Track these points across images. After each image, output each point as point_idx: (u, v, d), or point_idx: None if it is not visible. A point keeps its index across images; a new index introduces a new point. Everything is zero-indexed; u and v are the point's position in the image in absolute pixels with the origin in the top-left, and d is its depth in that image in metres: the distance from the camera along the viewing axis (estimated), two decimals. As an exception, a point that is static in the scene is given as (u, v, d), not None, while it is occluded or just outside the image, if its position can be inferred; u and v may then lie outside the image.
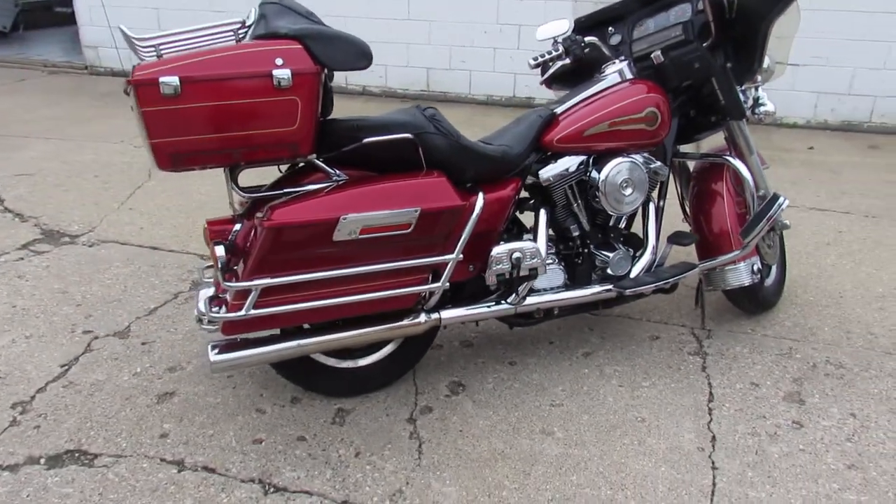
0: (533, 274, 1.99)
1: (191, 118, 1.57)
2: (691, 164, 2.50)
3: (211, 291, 1.87)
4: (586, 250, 2.17)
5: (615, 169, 2.07)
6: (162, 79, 1.53)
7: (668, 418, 1.98)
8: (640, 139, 2.13)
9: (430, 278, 1.87)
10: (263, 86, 1.60)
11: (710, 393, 2.10)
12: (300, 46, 1.64)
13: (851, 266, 2.96)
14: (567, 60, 2.30)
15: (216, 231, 1.82)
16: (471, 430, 1.93)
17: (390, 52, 6.17)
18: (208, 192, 3.77)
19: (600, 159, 2.13)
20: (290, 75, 1.60)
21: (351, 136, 1.78)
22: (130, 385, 2.10)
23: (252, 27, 1.80)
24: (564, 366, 2.24)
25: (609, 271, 2.14)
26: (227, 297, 1.70)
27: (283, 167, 1.90)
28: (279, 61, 1.61)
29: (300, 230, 1.64)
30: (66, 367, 2.18)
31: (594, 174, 2.10)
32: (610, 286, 2.12)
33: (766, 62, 2.19)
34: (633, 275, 2.15)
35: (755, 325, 2.48)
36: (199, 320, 1.87)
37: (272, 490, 1.71)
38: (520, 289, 2.01)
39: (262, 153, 1.66)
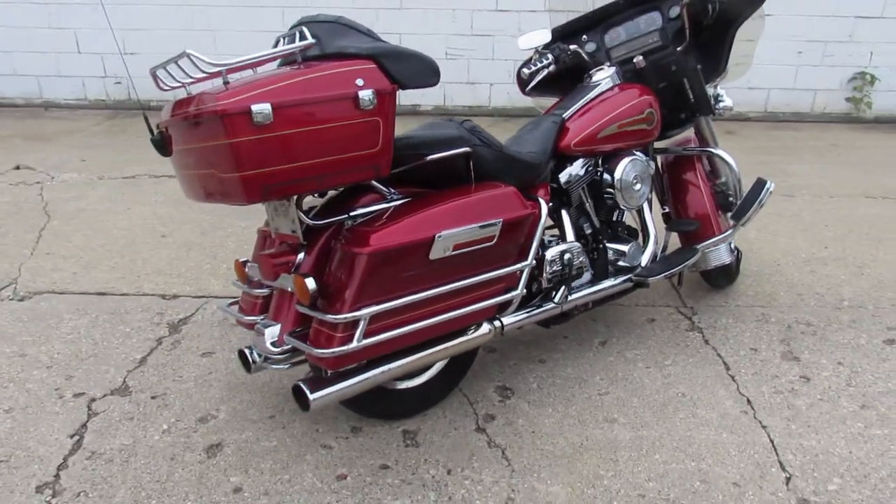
0: (580, 272, 2.09)
1: (282, 146, 1.48)
2: (659, 159, 2.74)
3: (275, 329, 1.75)
4: (601, 245, 2.30)
5: (627, 167, 2.22)
6: (254, 106, 1.43)
7: (702, 390, 2.17)
8: (642, 138, 2.30)
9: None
10: (349, 108, 1.55)
11: (724, 363, 2.32)
12: (374, 65, 1.60)
13: (770, 237, 3.39)
14: (552, 68, 2.43)
15: (279, 264, 1.71)
16: (541, 430, 1.98)
17: (270, 66, 5.95)
18: (129, 228, 3.45)
19: (608, 160, 2.28)
20: (372, 96, 1.56)
21: (411, 154, 1.76)
22: (166, 444, 1.90)
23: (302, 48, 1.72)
24: (589, 357, 2.36)
25: (624, 263, 2.29)
26: (328, 329, 1.60)
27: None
28: (360, 82, 1.56)
29: (399, 252, 1.61)
30: (78, 437, 1.92)
31: (606, 174, 2.24)
32: (630, 276, 2.28)
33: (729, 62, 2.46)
34: (643, 264, 2.33)
35: (726, 298, 2.78)
36: (266, 359, 1.76)
37: (384, 523, 1.65)
38: (564, 288, 2.10)
39: (348, 177, 1.60)
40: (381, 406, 1.98)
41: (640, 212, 2.41)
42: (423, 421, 2.02)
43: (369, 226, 1.65)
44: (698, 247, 2.45)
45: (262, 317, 1.89)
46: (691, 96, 2.47)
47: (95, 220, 3.54)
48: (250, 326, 1.94)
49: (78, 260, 3.07)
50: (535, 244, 1.87)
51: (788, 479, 1.78)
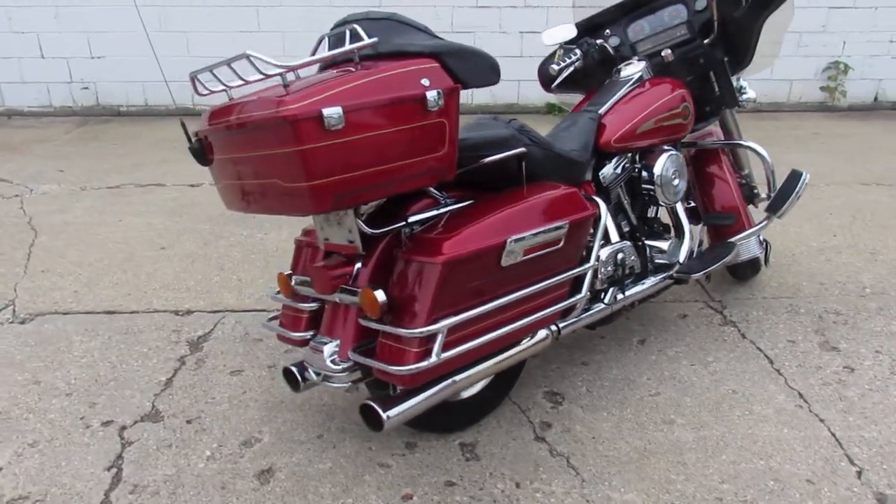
0: (631, 272, 2.04)
1: (352, 152, 1.39)
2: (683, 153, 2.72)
3: (333, 345, 1.65)
4: (640, 243, 2.26)
5: (667, 162, 2.18)
6: (326, 111, 1.33)
7: (752, 386, 2.15)
8: (678, 133, 2.27)
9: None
10: (417, 110, 1.47)
11: (766, 356, 2.31)
12: (437, 64, 1.52)
13: (780, 227, 3.40)
14: (579, 64, 2.38)
15: (337, 276, 1.62)
16: (601, 435, 1.93)
17: (241, 66, 5.77)
18: (125, 241, 3.28)
19: (644, 156, 2.24)
20: (438, 96, 1.48)
21: (470, 156, 1.69)
22: (213, 472, 1.79)
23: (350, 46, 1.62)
24: (631, 356, 2.31)
25: (662, 260, 2.25)
26: (402, 345, 1.51)
27: None
28: (425, 82, 1.48)
29: (472, 260, 1.53)
30: (116, 470, 1.79)
31: (645, 170, 2.20)
32: (671, 274, 2.24)
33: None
34: (681, 260, 2.29)
35: (751, 291, 2.77)
36: (325, 377, 1.67)
37: (462, 544, 1.58)
38: (614, 288, 2.04)
39: (415, 182, 1.51)
40: (436, 419, 1.90)
41: (672, 208, 2.38)
42: (479, 432, 1.94)
43: (436, 233, 1.57)
44: (733, 240, 2.43)
45: (310, 333, 1.79)
46: (717, 89, 2.45)
47: (87, 233, 3.36)
48: (297, 343, 1.83)
49: (77, 277, 2.89)
50: (597, 245, 1.82)
51: (860, 473, 1.77)
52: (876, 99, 6.24)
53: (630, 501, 1.69)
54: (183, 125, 1.68)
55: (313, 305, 1.79)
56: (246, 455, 1.85)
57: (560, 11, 5.80)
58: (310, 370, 1.70)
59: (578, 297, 1.82)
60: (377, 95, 1.41)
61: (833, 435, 1.92)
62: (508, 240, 1.57)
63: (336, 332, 1.68)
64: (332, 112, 1.34)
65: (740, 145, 2.52)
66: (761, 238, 2.56)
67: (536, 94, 5.98)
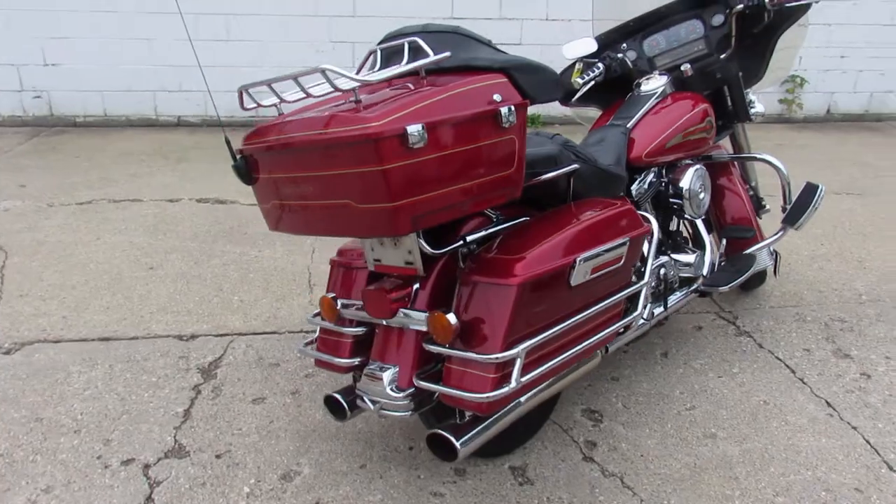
0: (672, 287, 2.03)
1: (432, 171, 1.33)
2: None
3: (392, 372, 1.58)
4: (668, 258, 2.26)
5: (694, 176, 2.20)
6: (409, 128, 1.27)
7: (781, 396, 2.17)
8: (701, 147, 2.29)
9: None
10: (491, 126, 1.42)
11: (787, 366, 2.34)
12: (506, 79, 1.48)
13: (768, 237, 3.49)
14: (600, 77, 2.38)
15: (397, 299, 1.55)
16: (648, 453, 1.91)
17: (212, 76, 5.61)
18: (107, 261, 3.09)
19: (670, 170, 2.24)
20: (510, 112, 1.43)
21: (527, 174, 1.64)
22: (256, 509, 1.68)
23: (411, 59, 1.56)
24: (658, 370, 2.31)
25: (688, 273, 2.26)
26: (478, 370, 1.44)
27: None
28: (497, 97, 1.44)
29: (545, 281, 1.48)
30: (149, 512, 1.67)
31: (672, 184, 2.21)
32: (697, 287, 2.25)
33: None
34: (704, 273, 2.31)
35: (758, 301, 2.82)
36: (385, 406, 1.58)
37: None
38: (651, 303, 2.03)
39: (488, 201, 1.46)
40: (486, 444, 1.84)
41: (693, 221, 2.40)
42: (526, 455, 1.89)
43: (503, 253, 1.52)
44: (750, 252, 2.46)
45: (357, 359, 1.71)
46: (730, 103, 2.49)
47: (63, 253, 3.15)
48: (342, 370, 1.75)
49: (62, 301, 2.70)
50: (650, 261, 1.80)
51: (903, 481, 1.80)
52: (829, 111, 6.52)
53: (693, 520, 1.68)
54: (227, 142, 1.58)
55: (360, 330, 1.71)
56: (288, 490, 1.75)
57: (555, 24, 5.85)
58: (364, 398, 1.62)
59: (636, 313, 1.79)
60: (455, 112, 1.35)
61: (868, 442, 1.95)
62: (578, 259, 1.53)
63: (393, 358, 1.60)
64: (416, 129, 1.28)
65: (756, 158, 2.57)
66: (772, 249, 2.61)
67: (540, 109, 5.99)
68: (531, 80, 1.52)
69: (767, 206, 2.79)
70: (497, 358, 1.41)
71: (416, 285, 1.59)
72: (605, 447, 1.93)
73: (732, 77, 2.42)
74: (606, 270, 1.63)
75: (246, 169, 1.57)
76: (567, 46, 2.41)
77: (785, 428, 2.01)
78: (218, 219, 3.65)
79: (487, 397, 1.42)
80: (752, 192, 2.68)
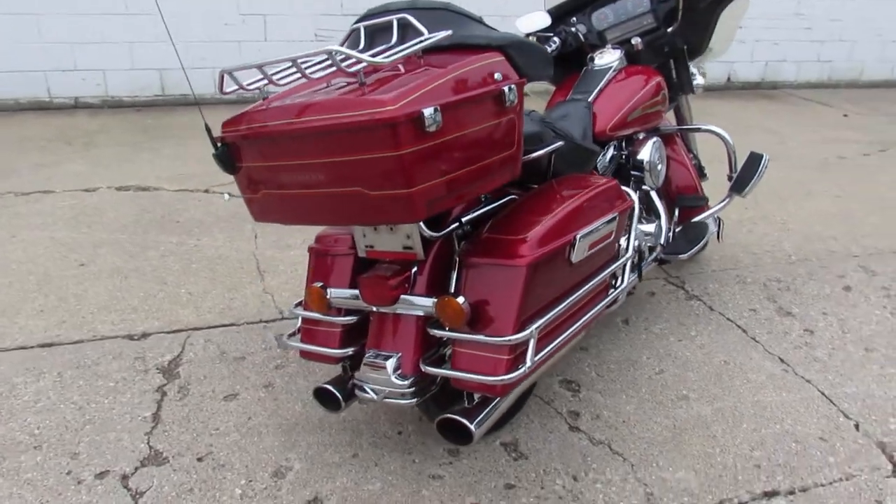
0: (643, 257, 2.09)
1: (444, 154, 1.30)
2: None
3: (396, 359, 1.54)
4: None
5: (653, 148, 2.26)
6: (426, 111, 1.23)
7: (739, 355, 2.30)
8: (657, 119, 2.36)
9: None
10: (495, 107, 1.40)
11: (738, 326, 2.48)
12: (503, 57, 1.46)
13: (698, 204, 3.66)
14: (556, 52, 2.40)
15: (397, 285, 1.51)
16: (630, 418, 1.97)
17: (109, 53, 5.25)
18: (31, 260, 2.85)
19: (630, 143, 2.30)
20: (512, 91, 1.42)
21: None
22: (253, 511, 1.61)
23: (400, 38, 1.50)
24: (623, 337, 2.39)
25: (650, 242, 2.34)
26: (491, 353, 1.43)
27: None
28: (498, 76, 1.42)
29: (550, 259, 1.49)
30: (137, 526, 1.56)
31: (632, 157, 2.27)
32: (658, 255, 2.33)
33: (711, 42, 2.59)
34: (662, 242, 2.39)
35: (702, 265, 2.96)
36: (389, 395, 1.55)
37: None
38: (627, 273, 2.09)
39: (492, 182, 1.45)
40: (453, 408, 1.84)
41: (647, 192, 2.47)
42: (514, 430, 1.91)
43: (505, 233, 1.51)
44: (700, 219, 2.57)
45: (351, 348, 1.66)
46: (676, 76, 2.57)
47: (-26, 253, 2.87)
48: (334, 360, 1.70)
49: (-14, 306, 2.47)
50: (633, 235, 1.84)
51: (857, 426, 1.96)
52: (728, 79, 6.89)
53: (683, 479, 1.75)
54: (208, 129, 1.47)
55: (351, 319, 1.66)
56: (283, 487, 1.69)
57: None
58: (365, 388, 1.58)
59: (623, 286, 1.84)
60: (464, 93, 1.32)
61: (823, 394, 2.11)
62: (577, 236, 1.55)
63: (393, 345, 1.57)
64: (430, 112, 1.24)
65: (703, 130, 2.67)
66: (716, 216, 2.74)
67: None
68: (526, 58, 1.50)
69: (707, 175, 2.92)
70: (511, 339, 1.41)
71: (414, 269, 1.56)
72: (588, 416, 1.98)
73: (679, 50, 2.50)
74: (601, 246, 1.65)
75: (229, 157, 1.47)
76: (521, 20, 2.40)
77: (748, 385, 2.14)
78: (144, 207, 3.43)
79: (502, 379, 1.42)
80: (695, 162, 2.79)
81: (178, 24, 5.30)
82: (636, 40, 2.43)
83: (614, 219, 1.68)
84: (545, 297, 1.51)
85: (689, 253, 2.34)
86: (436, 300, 1.46)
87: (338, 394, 1.66)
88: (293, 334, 1.80)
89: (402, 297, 1.52)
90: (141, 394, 2.02)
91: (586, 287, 1.63)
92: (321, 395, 1.70)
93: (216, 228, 3.18)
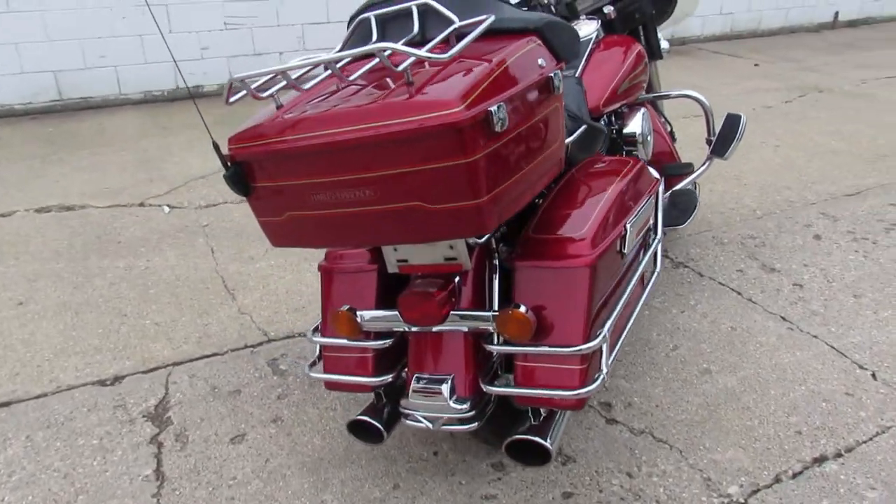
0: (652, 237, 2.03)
1: (509, 154, 1.16)
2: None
3: (449, 382, 1.40)
4: None
5: (643, 119, 2.20)
6: (493, 109, 1.08)
7: (742, 318, 2.30)
8: (641, 90, 2.28)
9: None
10: (546, 95, 1.28)
11: (731, 289, 2.49)
12: (539, 41, 1.32)
13: (653, 167, 3.67)
14: None
15: (444, 301, 1.36)
16: (662, 402, 1.92)
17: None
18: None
19: (618, 116, 2.22)
20: (556, 77, 1.29)
21: None
22: (305, 568, 1.44)
23: (421, 26, 1.34)
24: (626, 315, 2.34)
25: None
26: (563, 363, 1.31)
27: None
28: (542, 62, 1.29)
29: (608, 255, 1.38)
30: None
31: (624, 129, 2.19)
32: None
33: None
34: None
35: (678, 231, 2.95)
36: (448, 422, 1.41)
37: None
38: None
39: (546, 178, 1.32)
40: (518, 427, 1.74)
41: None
42: (553, 431, 1.82)
43: (554, 232, 1.39)
44: (683, 185, 2.54)
45: (389, 375, 1.51)
46: (645, 42, 2.51)
47: None
48: (369, 389, 1.54)
49: (-84, 368, 2.12)
50: (661, 215, 1.76)
51: (874, 376, 1.99)
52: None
53: (734, 459, 1.72)
54: (216, 146, 1.26)
55: (385, 342, 1.50)
56: (328, 533, 1.53)
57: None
58: (416, 416, 1.43)
59: (658, 268, 1.76)
60: (518, 84, 1.19)
61: (832, 347, 2.13)
62: (627, 224, 1.45)
63: (443, 367, 1.43)
64: (497, 110, 1.09)
65: (681, 96, 2.63)
66: (696, 181, 2.73)
67: (347, 61, 5.68)
68: (560, 40, 1.37)
69: (676, 139, 2.90)
70: (585, 348, 1.30)
71: (457, 281, 1.42)
72: (620, 405, 1.92)
73: (647, 17, 2.44)
74: (643, 231, 1.57)
75: (242, 177, 1.27)
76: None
77: (762, 350, 2.14)
78: (74, 230, 3.07)
79: (578, 393, 1.31)
80: (669, 128, 2.76)
81: (68, 20, 4.79)
82: (608, 9, 2.34)
83: (650, 201, 1.60)
84: (603, 294, 1.41)
85: (687, 222, 2.31)
86: (495, 313, 1.33)
87: (379, 425, 1.51)
88: (313, 364, 1.62)
89: (452, 313, 1.38)
90: (133, 448, 1.79)
91: (634, 277, 1.54)
92: (357, 428, 1.54)
93: (165, 246, 2.89)
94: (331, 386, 1.58)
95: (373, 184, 1.15)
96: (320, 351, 1.64)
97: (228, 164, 1.27)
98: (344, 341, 1.52)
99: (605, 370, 1.33)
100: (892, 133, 4.14)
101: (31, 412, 1.93)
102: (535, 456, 1.38)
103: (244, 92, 1.22)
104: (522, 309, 1.31)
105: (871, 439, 1.76)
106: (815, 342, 2.16)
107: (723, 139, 2.54)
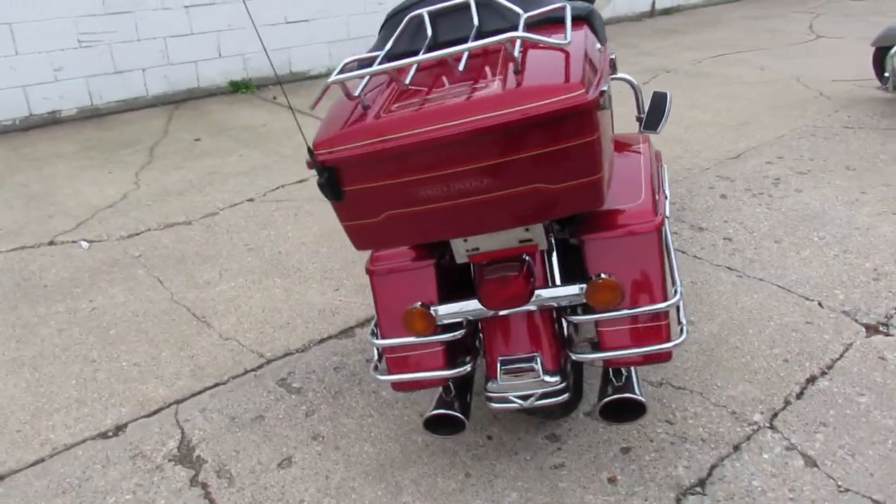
0: None
1: (606, 130, 1.25)
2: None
3: (538, 359, 1.46)
4: None
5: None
6: (605, 89, 1.17)
7: (697, 274, 2.55)
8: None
9: None
10: (613, 73, 1.37)
11: (676, 249, 2.75)
12: (588, 28, 1.43)
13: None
14: None
15: (529, 282, 1.42)
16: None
17: None
18: None
19: None
20: (615, 59, 1.41)
21: None
22: (419, 569, 1.44)
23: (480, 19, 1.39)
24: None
25: None
26: (650, 322, 1.42)
27: None
28: (599, 47, 1.39)
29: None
30: None
31: None
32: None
33: None
34: None
35: (606, 204, 3.19)
36: (544, 396, 1.47)
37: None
38: None
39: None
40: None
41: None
42: (587, 398, 1.94)
43: (616, 205, 1.50)
44: None
45: (468, 363, 1.54)
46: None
47: None
48: (442, 382, 1.57)
49: None
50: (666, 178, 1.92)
51: (821, 304, 2.32)
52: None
53: (746, 391, 1.94)
54: (310, 150, 1.22)
55: (458, 334, 1.53)
56: (426, 533, 1.53)
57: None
58: (508, 398, 1.48)
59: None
60: (602, 67, 1.28)
61: (780, 287, 2.45)
62: (665, 189, 1.59)
63: (527, 345, 1.49)
64: (605, 90, 1.18)
65: (616, 78, 2.84)
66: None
67: (216, 74, 5.43)
68: (600, 26, 1.49)
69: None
70: (670, 304, 1.43)
71: (527, 261, 1.48)
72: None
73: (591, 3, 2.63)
74: (668, 194, 1.72)
75: (337, 182, 1.25)
76: None
77: (724, 297, 2.40)
78: (-21, 280, 2.71)
79: (668, 346, 1.43)
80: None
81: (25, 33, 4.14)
82: None
83: (663, 167, 1.76)
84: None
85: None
86: (583, 286, 1.42)
87: (460, 415, 1.54)
88: (375, 367, 1.61)
89: (538, 292, 1.45)
90: (176, 495, 1.66)
91: (668, 235, 1.70)
92: (435, 424, 1.56)
93: (103, 283, 2.63)
94: (401, 386, 1.59)
95: (492, 171, 1.19)
96: (379, 353, 1.63)
97: (322, 169, 1.24)
98: (412, 339, 1.53)
99: (684, 322, 1.46)
100: (740, 102, 4.71)
101: (35, 481, 1.72)
102: (626, 412, 1.48)
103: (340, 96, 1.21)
104: (613, 278, 1.40)
105: (841, 356, 2.06)
106: (764, 284, 2.47)
107: (653, 115, 2.79)
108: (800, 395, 1.91)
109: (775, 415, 1.84)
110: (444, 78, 1.33)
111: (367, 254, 1.58)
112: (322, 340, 2.24)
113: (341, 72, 1.53)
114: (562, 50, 1.26)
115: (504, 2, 1.37)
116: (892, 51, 3.98)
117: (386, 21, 1.63)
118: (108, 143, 4.30)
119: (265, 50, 5.57)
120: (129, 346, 2.25)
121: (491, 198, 1.22)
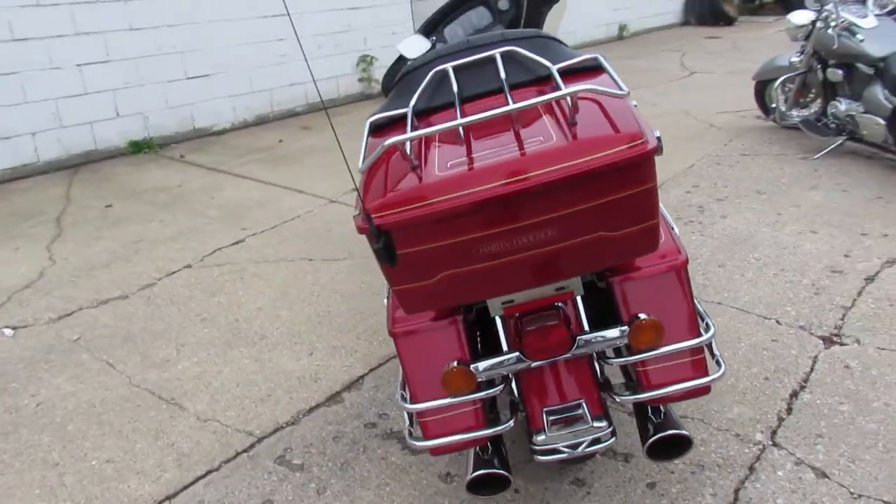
0: None
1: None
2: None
3: (584, 406, 1.45)
4: None
5: None
6: (659, 136, 1.22)
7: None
8: None
9: None
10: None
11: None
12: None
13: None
14: None
15: (569, 333, 1.43)
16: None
17: None
18: None
19: None
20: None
21: None
22: None
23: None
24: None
25: None
26: (689, 357, 1.46)
27: None
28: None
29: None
30: None
31: None
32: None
33: None
34: None
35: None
36: (594, 443, 1.47)
37: None
38: None
39: None
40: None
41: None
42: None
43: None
44: None
45: (510, 420, 1.51)
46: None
47: None
48: (483, 442, 1.53)
49: None
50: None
51: (778, 322, 2.48)
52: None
53: (742, 413, 2.03)
54: (368, 216, 1.17)
55: (497, 390, 1.50)
56: None
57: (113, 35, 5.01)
58: (558, 448, 1.45)
59: None
60: (637, 112, 1.32)
61: (738, 308, 2.59)
62: (670, 221, 1.66)
63: (570, 393, 1.48)
64: (659, 137, 1.22)
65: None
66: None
67: (115, 135, 5.11)
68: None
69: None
70: (707, 337, 1.47)
71: (562, 308, 1.48)
72: (629, 397, 2.12)
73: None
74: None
75: (392, 246, 1.21)
76: (403, 46, 2.34)
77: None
78: None
79: (707, 381, 1.47)
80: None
81: None
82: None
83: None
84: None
85: None
86: (624, 328, 1.43)
87: (504, 472, 1.50)
88: (410, 433, 1.54)
89: (579, 337, 1.45)
90: None
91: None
92: (478, 486, 1.51)
93: (42, 373, 2.36)
94: (441, 450, 1.53)
95: (557, 223, 1.19)
96: (411, 418, 1.57)
97: (378, 234, 1.19)
98: (450, 400, 1.48)
99: (718, 353, 1.51)
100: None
101: None
102: (672, 449, 1.50)
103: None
104: (650, 317, 1.43)
105: (812, 369, 2.21)
106: (724, 308, 2.61)
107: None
108: (789, 411, 2.02)
109: (774, 432, 1.94)
110: (484, 132, 1.32)
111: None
112: (311, 410, 2.12)
113: (371, 132, 1.50)
114: (619, 98, 1.30)
115: (535, 56, 1.40)
116: (776, 85, 4.39)
117: (400, 79, 1.61)
118: (5, 215, 3.92)
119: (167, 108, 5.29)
120: (95, 441, 2.02)
121: (553, 250, 1.22)
